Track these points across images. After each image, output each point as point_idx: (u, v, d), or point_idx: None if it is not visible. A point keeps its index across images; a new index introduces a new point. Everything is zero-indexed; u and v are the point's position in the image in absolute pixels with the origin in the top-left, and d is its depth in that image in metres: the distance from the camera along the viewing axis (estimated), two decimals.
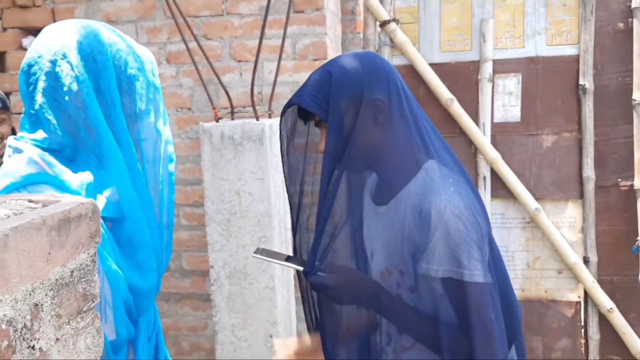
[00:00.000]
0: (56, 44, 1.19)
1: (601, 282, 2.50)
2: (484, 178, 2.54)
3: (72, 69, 1.18)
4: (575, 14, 2.48)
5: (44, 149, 1.19)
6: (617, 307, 2.48)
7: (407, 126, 1.28)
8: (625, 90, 2.45)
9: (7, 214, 0.69)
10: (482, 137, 2.51)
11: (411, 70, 2.58)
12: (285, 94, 2.80)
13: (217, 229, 2.38)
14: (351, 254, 1.33)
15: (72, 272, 0.74)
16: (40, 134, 1.20)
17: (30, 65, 1.20)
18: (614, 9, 2.47)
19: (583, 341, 2.55)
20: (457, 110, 2.52)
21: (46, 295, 0.68)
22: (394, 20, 2.57)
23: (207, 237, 2.41)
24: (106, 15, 2.93)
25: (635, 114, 2.42)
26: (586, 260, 2.51)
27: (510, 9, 2.52)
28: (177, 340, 3.10)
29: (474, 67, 2.55)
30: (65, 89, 1.18)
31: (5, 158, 1.22)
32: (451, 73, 2.57)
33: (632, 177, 2.45)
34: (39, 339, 0.67)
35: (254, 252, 1.37)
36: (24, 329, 0.64)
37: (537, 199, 2.51)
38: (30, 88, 1.20)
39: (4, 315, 0.61)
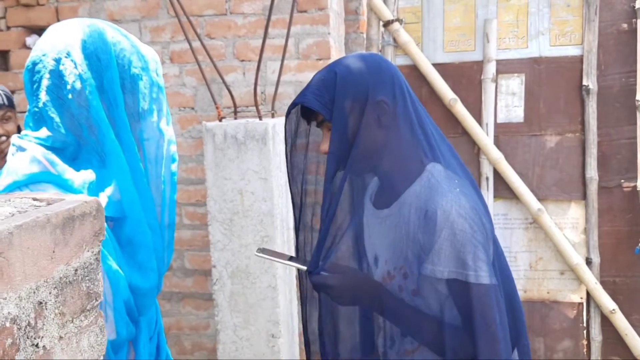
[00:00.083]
0: (60, 42, 1.20)
1: (604, 283, 2.50)
2: (487, 178, 2.53)
3: (76, 67, 1.19)
4: (579, 15, 2.47)
5: (47, 148, 1.19)
6: (620, 308, 2.48)
7: (412, 128, 1.28)
8: (628, 91, 2.45)
9: (12, 212, 0.69)
10: (485, 138, 2.51)
11: (414, 70, 2.58)
12: (288, 93, 2.80)
13: (219, 228, 2.38)
14: (354, 257, 1.33)
15: (76, 270, 0.74)
16: (43, 132, 1.20)
17: (34, 64, 1.21)
18: (618, 9, 2.46)
19: (585, 342, 2.54)
20: (460, 110, 2.52)
21: (50, 293, 0.69)
22: (398, 20, 2.56)
23: (209, 236, 2.41)
24: (110, 14, 2.93)
25: (638, 115, 2.41)
26: (589, 261, 2.50)
27: (514, 9, 2.52)
28: (179, 339, 3.10)
29: (477, 67, 2.55)
30: (68, 87, 1.18)
31: (8, 156, 1.22)
32: (454, 73, 2.57)
33: (635, 178, 2.45)
34: (42, 337, 0.67)
35: (257, 251, 1.37)
36: (27, 327, 0.64)
37: (539, 199, 2.51)
38: (35, 86, 1.20)
39: (8, 313, 0.61)
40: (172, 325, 3.07)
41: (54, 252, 0.69)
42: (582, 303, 2.55)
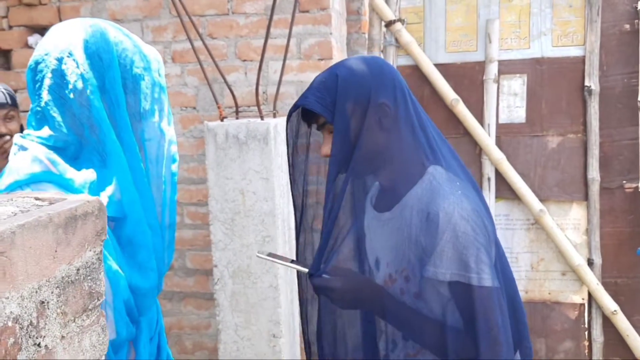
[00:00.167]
0: (63, 42, 1.20)
1: (605, 284, 2.50)
2: (489, 179, 2.53)
3: (78, 66, 1.19)
4: (581, 15, 2.47)
5: (49, 147, 1.20)
6: (621, 309, 2.48)
7: (413, 131, 1.28)
8: (630, 92, 2.45)
9: (14, 211, 0.69)
10: (487, 138, 2.51)
11: (416, 70, 2.58)
12: (290, 93, 2.80)
13: (221, 228, 2.38)
14: (355, 260, 1.33)
15: (78, 270, 0.74)
16: (45, 131, 1.20)
17: (37, 63, 1.21)
18: (620, 10, 2.46)
19: (587, 343, 2.54)
20: (462, 110, 2.52)
21: (52, 293, 0.69)
22: (400, 20, 2.56)
23: (210, 236, 2.41)
24: (112, 13, 2.93)
25: None
26: (590, 262, 2.50)
27: (516, 9, 2.52)
28: (180, 339, 3.10)
29: (479, 67, 2.55)
30: (70, 86, 1.18)
31: (10, 155, 1.23)
32: (456, 74, 2.57)
33: (637, 179, 2.45)
34: (44, 336, 0.67)
35: (258, 252, 1.37)
36: (30, 326, 0.64)
37: (541, 200, 2.51)
38: (37, 85, 1.21)
39: (11, 312, 0.61)
40: (173, 325, 3.07)
41: (56, 251, 0.69)
42: (583, 304, 2.54)
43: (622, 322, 2.48)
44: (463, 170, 1.34)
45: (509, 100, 2.55)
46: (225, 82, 2.47)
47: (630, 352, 2.50)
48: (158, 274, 1.32)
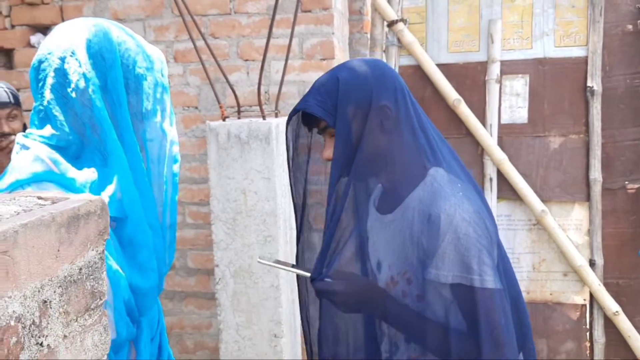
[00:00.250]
0: (66, 41, 1.21)
1: (607, 285, 2.49)
2: (490, 179, 2.53)
3: (80, 66, 1.19)
4: (583, 16, 2.47)
5: (51, 146, 1.20)
6: (623, 310, 2.47)
7: (414, 133, 1.27)
8: (633, 92, 2.44)
9: (17, 210, 0.69)
10: (489, 139, 2.50)
11: (418, 70, 2.57)
12: (292, 93, 2.80)
13: (222, 227, 2.38)
14: (357, 262, 1.33)
15: (81, 269, 0.74)
16: (48, 130, 1.20)
17: (40, 62, 1.21)
18: (623, 10, 2.45)
19: (588, 344, 2.54)
20: (464, 111, 2.52)
21: (55, 292, 0.69)
22: (402, 20, 2.56)
23: (212, 235, 2.41)
24: (114, 13, 2.94)
25: None
26: (592, 263, 2.49)
27: (519, 10, 2.51)
28: (181, 338, 3.10)
29: (482, 68, 2.54)
30: (72, 85, 1.19)
31: (13, 154, 1.23)
32: (458, 74, 2.56)
33: (639, 179, 2.44)
34: (47, 335, 0.67)
35: (260, 258, 1.37)
36: (32, 325, 0.64)
37: (543, 200, 2.50)
38: (40, 84, 1.21)
39: (13, 311, 0.61)
40: (174, 324, 3.07)
41: (58, 250, 0.69)
42: (585, 305, 2.54)
43: (624, 323, 2.47)
44: (464, 171, 1.34)
45: (511, 101, 2.54)
46: (228, 81, 2.47)
47: (632, 353, 2.49)
48: (159, 274, 1.32)
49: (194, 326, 3.09)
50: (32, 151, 1.18)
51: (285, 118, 1.41)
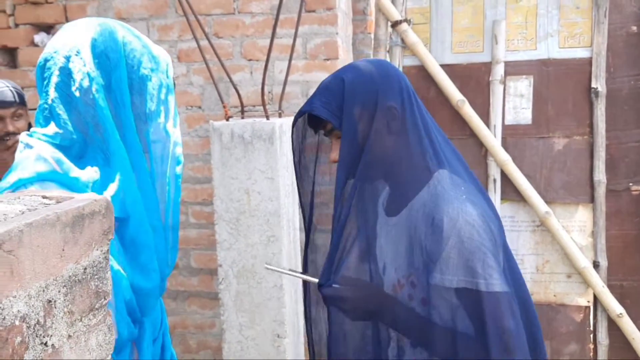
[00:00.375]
0: (72, 40, 1.21)
1: (611, 287, 2.48)
2: (494, 180, 2.53)
3: (85, 65, 1.19)
4: (588, 17, 2.46)
5: (54, 145, 1.20)
6: (627, 312, 2.46)
7: (419, 134, 1.26)
8: (637, 94, 2.43)
9: (22, 209, 0.69)
10: (492, 140, 2.50)
11: (422, 71, 2.57)
12: (295, 93, 2.80)
13: (225, 227, 2.38)
14: (365, 266, 1.32)
15: (85, 269, 0.74)
16: (51, 129, 1.20)
17: (46, 60, 1.22)
18: (627, 12, 2.45)
19: (592, 346, 2.53)
20: (468, 111, 2.51)
21: (59, 291, 0.68)
22: (406, 20, 2.55)
23: (215, 235, 2.41)
24: (118, 12, 2.94)
25: None
26: (596, 265, 2.49)
27: (523, 10, 2.51)
28: (184, 338, 3.10)
29: (486, 68, 2.54)
30: (76, 85, 1.19)
31: (17, 153, 1.23)
32: (462, 74, 2.56)
33: None
34: (51, 335, 0.67)
35: (267, 264, 1.37)
36: (37, 325, 0.64)
37: (547, 202, 2.50)
38: (45, 82, 1.21)
39: (18, 311, 0.61)
40: (177, 324, 3.07)
41: (63, 250, 0.69)
42: (589, 306, 2.53)
43: (628, 325, 2.46)
44: (467, 172, 1.33)
45: (515, 102, 2.54)
46: (231, 81, 2.46)
47: (636, 355, 2.48)
48: (160, 274, 1.32)
49: (197, 326, 3.09)
50: (35, 150, 1.18)
51: (289, 118, 1.41)
